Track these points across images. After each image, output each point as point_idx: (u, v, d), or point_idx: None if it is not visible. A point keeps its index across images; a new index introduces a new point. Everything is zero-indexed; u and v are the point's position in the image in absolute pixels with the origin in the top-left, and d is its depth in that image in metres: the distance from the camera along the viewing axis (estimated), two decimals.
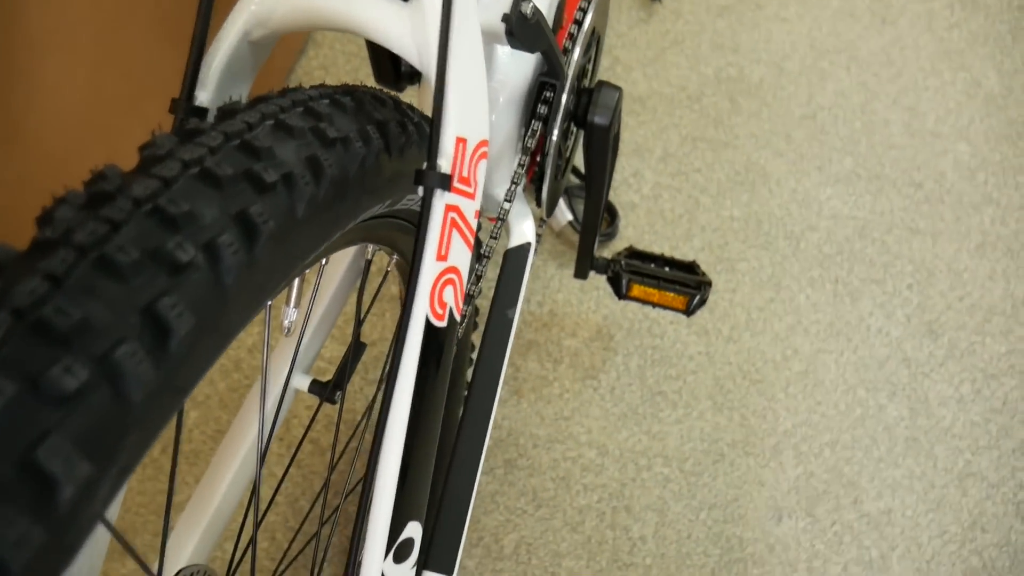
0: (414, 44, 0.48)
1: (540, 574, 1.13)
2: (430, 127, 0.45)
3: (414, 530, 0.51)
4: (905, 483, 1.21)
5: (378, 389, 0.92)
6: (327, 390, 0.75)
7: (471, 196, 0.49)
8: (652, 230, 1.33)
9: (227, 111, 0.41)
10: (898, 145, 1.40)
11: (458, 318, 0.51)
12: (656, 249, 1.31)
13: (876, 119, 1.42)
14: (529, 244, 0.83)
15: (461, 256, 0.49)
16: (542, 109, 0.77)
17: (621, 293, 1.03)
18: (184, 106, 0.47)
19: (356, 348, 0.78)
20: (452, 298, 0.49)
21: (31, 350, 0.27)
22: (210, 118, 0.48)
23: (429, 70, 0.47)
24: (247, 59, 0.50)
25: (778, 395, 1.25)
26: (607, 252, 1.29)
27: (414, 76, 0.87)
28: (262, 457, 0.66)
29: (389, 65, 0.85)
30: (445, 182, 0.46)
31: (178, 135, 0.38)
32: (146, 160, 0.35)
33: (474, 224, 0.50)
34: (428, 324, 0.48)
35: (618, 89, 0.85)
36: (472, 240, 0.50)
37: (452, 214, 0.48)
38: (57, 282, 0.29)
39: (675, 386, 1.24)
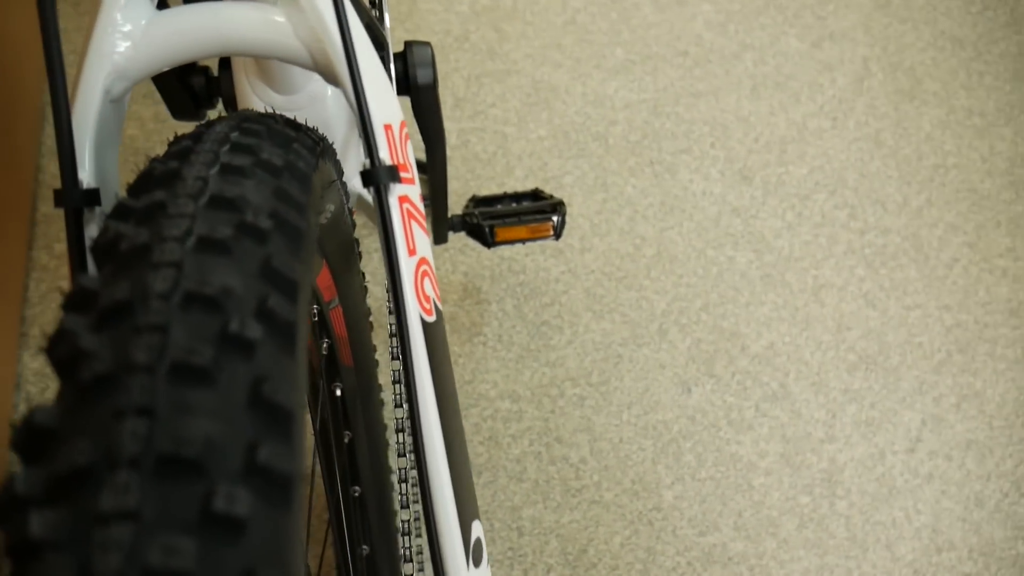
0: (302, 45, 0.44)
1: (507, 534, 1.14)
2: (361, 123, 0.42)
3: (478, 529, 0.49)
4: (775, 315, 1.32)
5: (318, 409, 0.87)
6: None
7: (412, 181, 0.47)
8: (474, 175, 1.33)
9: (156, 177, 0.36)
10: (654, 23, 1.48)
11: (440, 307, 0.49)
12: (486, 191, 1.31)
13: (627, 5, 1.49)
14: None
15: (424, 244, 0.47)
16: None
17: (489, 241, 1.03)
18: (74, 193, 0.40)
19: None
20: (432, 289, 0.47)
21: (178, 497, 0.23)
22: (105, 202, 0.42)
23: (330, 68, 0.44)
24: (112, 121, 0.44)
25: (644, 283, 1.30)
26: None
27: (212, 100, 0.81)
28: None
29: (186, 97, 0.79)
30: (395, 174, 0.43)
31: (139, 215, 0.33)
32: (131, 252, 0.30)
33: (423, 208, 0.48)
34: (423, 323, 0.45)
35: (427, 44, 0.84)
36: (426, 224, 0.48)
37: (406, 205, 0.45)
38: (150, 413, 0.24)
39: (553, 311, 1.27)
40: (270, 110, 0.70)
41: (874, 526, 1.23)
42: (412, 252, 0.45)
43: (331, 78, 0.44)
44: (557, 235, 1.03)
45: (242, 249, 0.31)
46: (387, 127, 0.44)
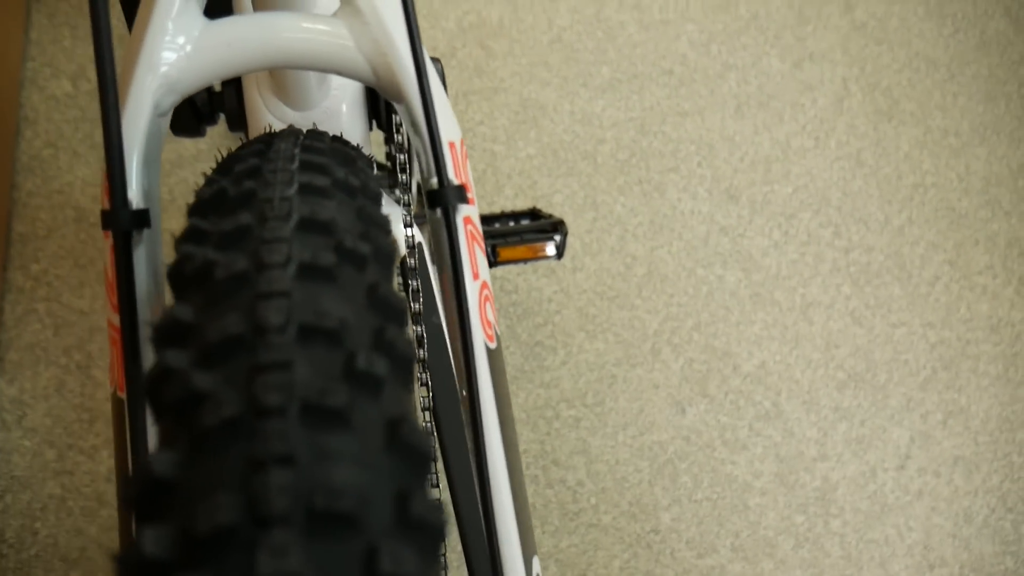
0: (365, 59, 0.41)
1: None
2: (431, 141, 0.40)
3: (537, 566, 0.47)
4: (765, 334, 1.32)
5: None
6: None
7: (474, 201, 0.45)
8: None
9: (231, 198, 0.33)
10: (639, 42, 1.48)
11: (500, 331, 0.47)
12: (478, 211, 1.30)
13: (612, 24, 1.48)
14: (420, 243, 0.79)
15: (485, 267, 0.45)
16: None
17: (490, 261, 1.01)
18: (124, 215, 0.38)
19: None
20: (492, 314, 0.45)
21: (338, 558, 0.20)
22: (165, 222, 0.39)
23: (394, 83, 0.41)
24: (157, 138, 0.41)
25: (636, 302, 1.30)
26: None
27: (214, 116, 0.79)
28: None
29: (189, 112, 0.76)
30: (463, 195, 0.41)
31: (221, 240, 0.30)
32: (229, 280, 0.28)
33: (481, 228, 0.46)
34: (487, 350, 0.43)
35: (438, 60, 0.82)
36: (484, 246, 0.46)
37: (469, 227, 0.43)
38: (290, 462, 0.22)
39: (547, 332, 1.25)
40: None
41: (868, 544, 1.23)
42: (476, 276, 0.43)
43: (393, 94, 0.42)
44: (560, 255, 1.02)
45: (346, 276, 0.29)
46: (451, 145, 0.42)
